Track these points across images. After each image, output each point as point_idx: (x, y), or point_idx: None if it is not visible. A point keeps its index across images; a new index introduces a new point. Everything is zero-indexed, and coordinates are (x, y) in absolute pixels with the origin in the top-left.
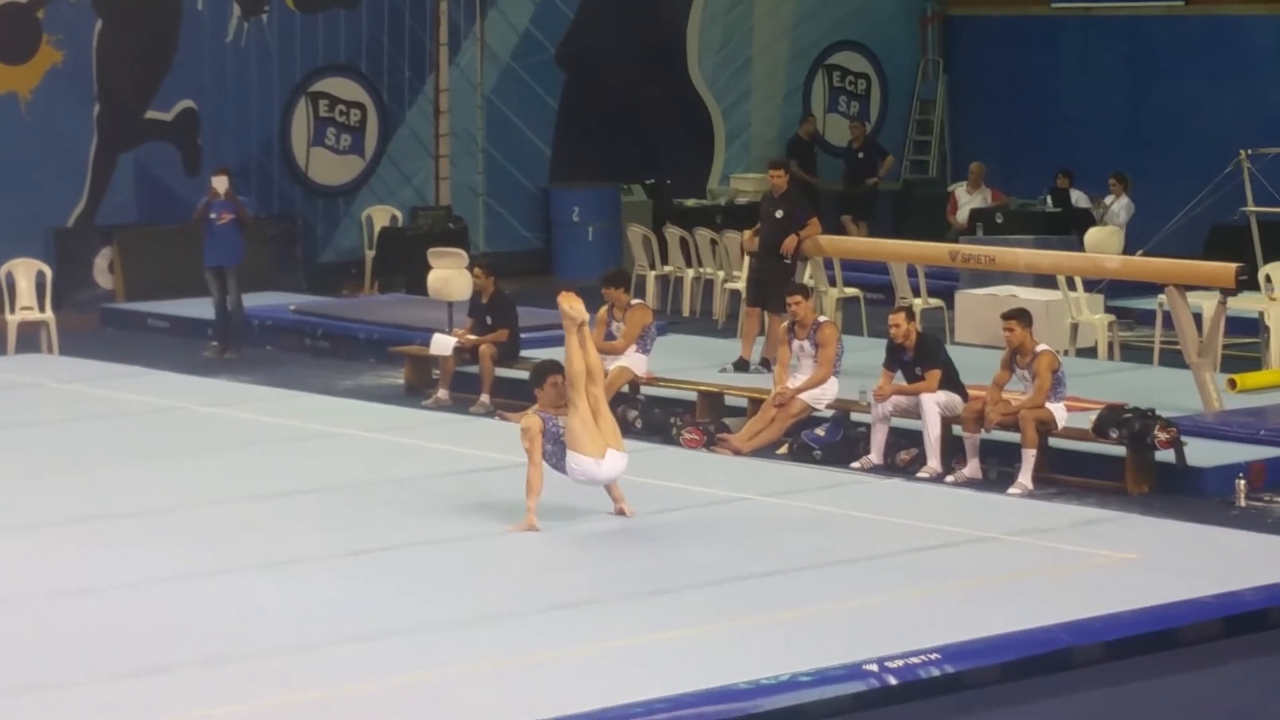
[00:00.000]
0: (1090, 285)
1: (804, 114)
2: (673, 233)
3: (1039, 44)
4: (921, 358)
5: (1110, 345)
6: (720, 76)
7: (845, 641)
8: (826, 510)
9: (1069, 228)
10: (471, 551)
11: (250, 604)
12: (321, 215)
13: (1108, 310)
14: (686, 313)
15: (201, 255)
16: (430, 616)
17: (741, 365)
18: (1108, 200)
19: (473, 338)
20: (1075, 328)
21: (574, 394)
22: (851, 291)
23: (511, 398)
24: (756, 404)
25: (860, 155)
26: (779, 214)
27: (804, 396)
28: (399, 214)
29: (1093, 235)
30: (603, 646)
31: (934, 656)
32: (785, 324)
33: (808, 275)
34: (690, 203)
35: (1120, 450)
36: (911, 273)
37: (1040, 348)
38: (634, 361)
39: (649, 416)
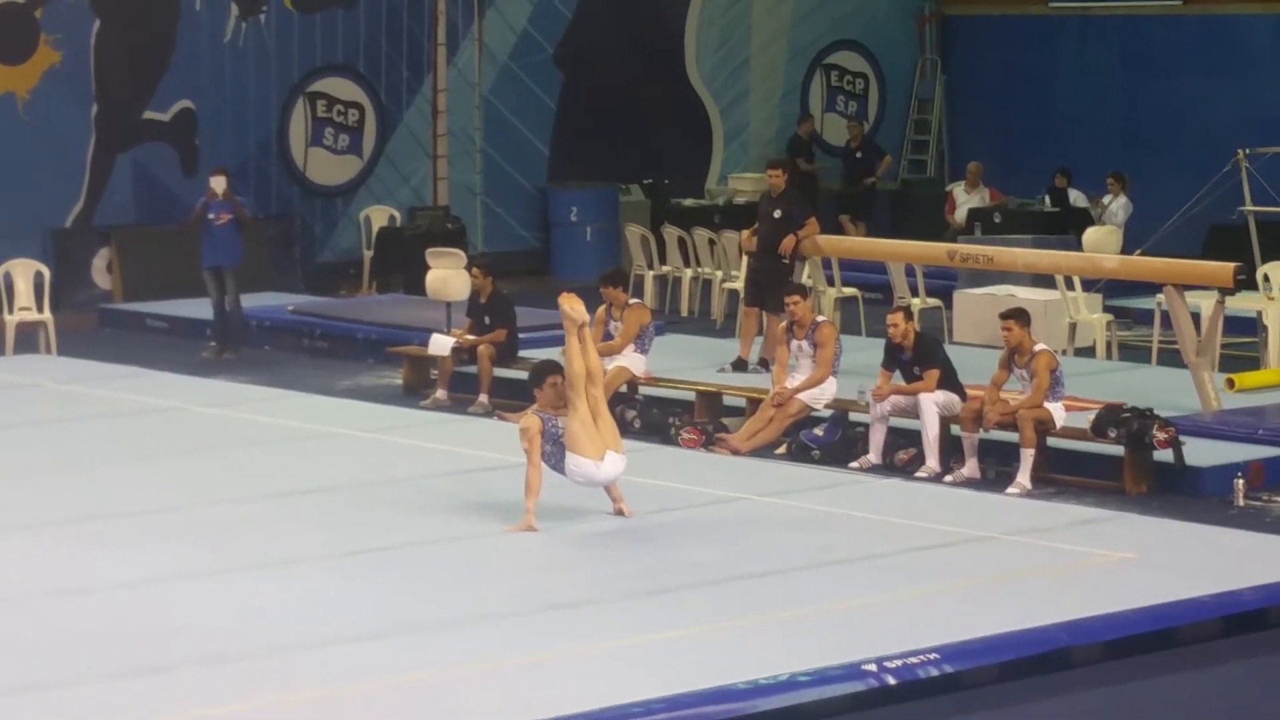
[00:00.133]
0: (1088, 285)
1: (802, 113)
2: (671, 232)
3: (1037, 43)
4: (920, 357)
5: (1108, 345)
6: (718, 76)
7: (844, 641)
8: (825, 510)
9: (1067, 227)
10: (470, 551)
11: (248, 604)
12: (319, 215)
13: (1106, 310)
14: (685, 312)
15: (199, 255)
16: (428, 616)
17: (740, 365)
18: (1106, 199)
19: (471, 338)
20: (1073, 327)
21: (574, 395)
22: (850, 291)
23: (510, 398)
24: (755, 404)
25: (858, 155)
26: (777, 214)
27: (802, 396)
28: (397, 214)
29: (1091, 235)
30: (601, 646)
31: (932, 656)
32: (783, 324)
33: (806, 275)
34: (688, 202)
35: (1118, 450)
36: (910, 272)
37: (1038, 347)
38: (632, 361)
39: (647, 416)
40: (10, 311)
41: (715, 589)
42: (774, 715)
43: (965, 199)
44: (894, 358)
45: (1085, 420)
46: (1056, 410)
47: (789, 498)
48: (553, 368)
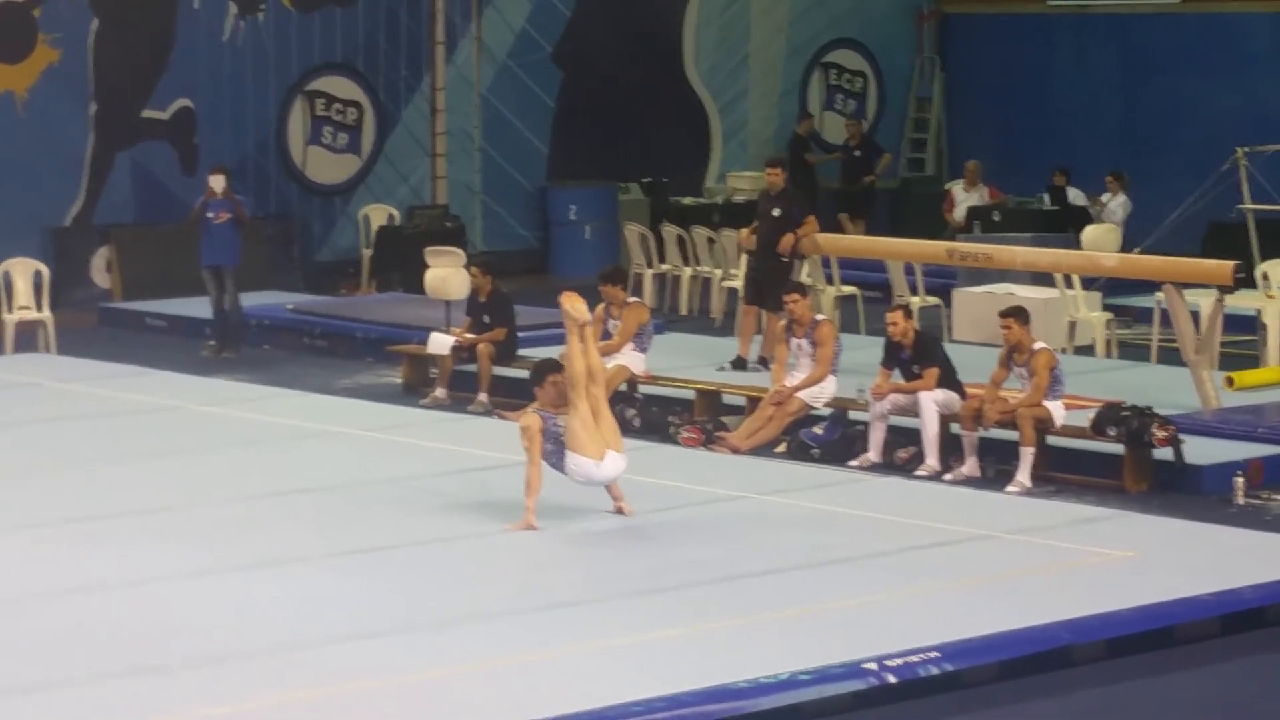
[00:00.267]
0: (1088, 283)
1: (801, 112)
2: (670, 231)
3: (1035, 41)
4: (919, 356)
5: (1108, 343)
6: (717, 75)
7: (844, 640)
8: (825, 508)
9: (1066, 225)
10: (469, 550)
11: (247, 603)
12: (318, 214)
13: (1105, 308)
14: (684, 311)
15: (199, 254)
16: (428, 615)
17: (739, 364)
18: (1105, 198)
19: (470, 336)
20: (1073, 325)
21: (574, 395)
22: (849, 290)
23: (509, 396)
24: (754, 402)
25: (857, 153)
26: (776, 212)
27: (802, 395)
28: (396, 213)
29: (1090, 233)
30: (601, 645)
31: (933, 655)
32: (783, 322)
33: (805, 273)
34: (687, 201)
35: (1118, 448)
36: (909, 271)
37: (1038, 346)
38: (632, 360)
39: (647, 415)
40: (9, 310)
41: (715, 587)
42: (774, 714)
43: (964, 197)
44: (893, 356)
45: (1085, 419)
46: (1056, 409)
47: (789, 496)
48: (553, 366)
